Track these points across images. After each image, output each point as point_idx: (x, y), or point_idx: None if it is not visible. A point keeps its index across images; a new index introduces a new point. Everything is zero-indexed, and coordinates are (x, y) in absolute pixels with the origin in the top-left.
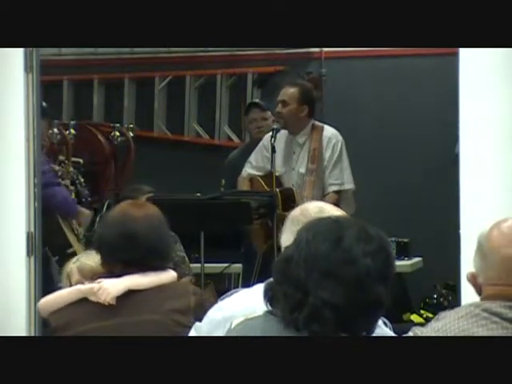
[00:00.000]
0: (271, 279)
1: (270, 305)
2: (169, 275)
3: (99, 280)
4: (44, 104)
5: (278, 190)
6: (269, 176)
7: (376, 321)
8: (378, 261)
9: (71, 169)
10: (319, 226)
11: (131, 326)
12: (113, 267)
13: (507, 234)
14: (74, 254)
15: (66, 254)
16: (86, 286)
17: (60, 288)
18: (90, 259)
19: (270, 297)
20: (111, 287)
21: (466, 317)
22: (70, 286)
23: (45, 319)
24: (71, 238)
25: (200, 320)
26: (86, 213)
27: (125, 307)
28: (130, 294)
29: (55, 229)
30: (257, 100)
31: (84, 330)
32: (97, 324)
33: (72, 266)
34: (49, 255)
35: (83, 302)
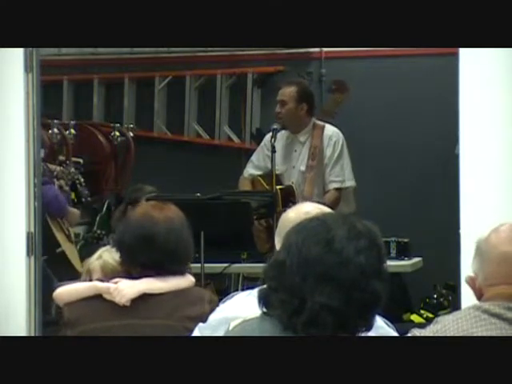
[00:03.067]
0: (264, 286)
1: (268, 314)
2: (186, 280)
3: (116, 280)
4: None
5: (277, 187)
6: (270, 175)
7: (374, 317)
8: (370, 257)
9: (72, 169)
10: (307, 228)
11: (142, 328)
12: (131, 268)
13: (504, 235)
14: (63, 253)
15: (55, 254)
16: (103, 284)
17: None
18: (112, 257)
19: (265, 303)
20: (127, 289)
21: (464, 318)
22: (90, 281)
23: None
24: (60, 238)
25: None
26: (76, 212)
27: (138, 310)
28: (145, 297)
29: (43, 228)
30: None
31: (94, 328)
32: (108, 323)
33: (95, 262)
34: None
35: (98, 298)
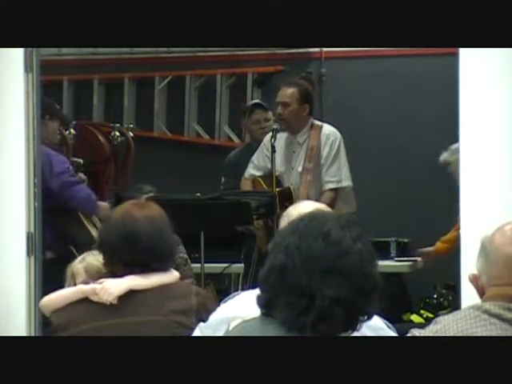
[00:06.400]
0: (262, 293)
1: (269, 315)
2: (171, 276)
3: (101, 280)
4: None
5: (275, 190)
6: (269, 176)
7: (375, 304)
8: (365, 242)
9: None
10: (300, 227)
11: (132, 325)
12: (115, 268)
13: (509, 235)
14: None
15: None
16: (88, 286)
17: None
18: (96, 259)
19: (266, 308)
20: (113, 287)
21: (464, 318)
22: (74, 285)
23: (46, 318)
24: (95, 234)
25: (203, 321)
26: (105, 206)
27: (126, 307)
28: (131, 294)
29: (78, 227)
30: (259, 100)
31: (85, 329)
32: (98, 323)
33: (78, 265)
34: (74, 253)
35: (85, 301)
